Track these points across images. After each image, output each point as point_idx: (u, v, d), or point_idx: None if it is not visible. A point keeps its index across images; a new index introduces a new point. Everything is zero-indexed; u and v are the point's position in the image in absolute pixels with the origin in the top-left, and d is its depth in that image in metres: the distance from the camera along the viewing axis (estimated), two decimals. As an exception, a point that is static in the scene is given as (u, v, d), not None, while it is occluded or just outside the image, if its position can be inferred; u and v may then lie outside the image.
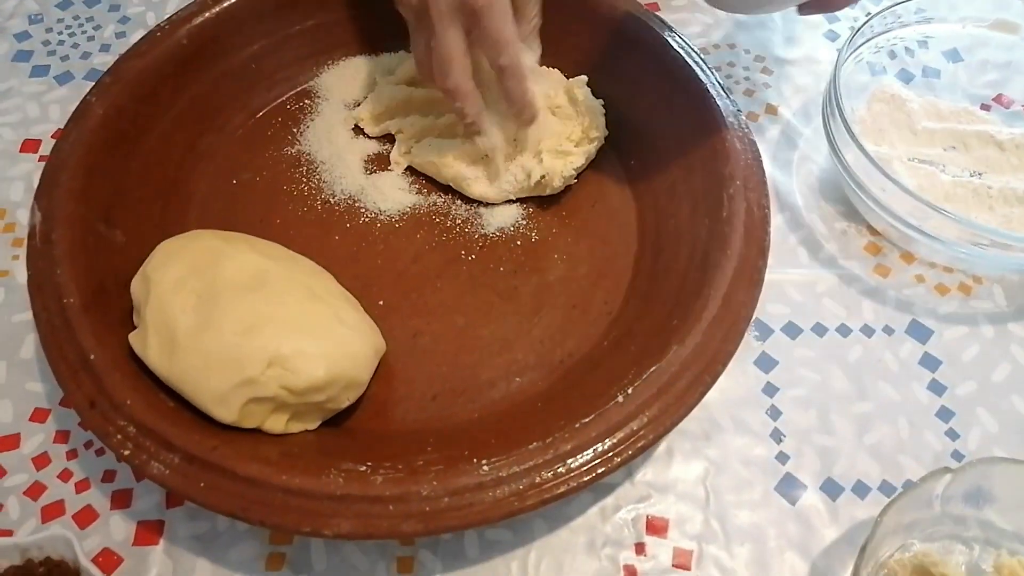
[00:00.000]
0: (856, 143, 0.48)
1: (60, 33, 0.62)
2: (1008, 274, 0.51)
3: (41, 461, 0.44)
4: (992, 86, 0.58)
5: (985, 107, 0.58)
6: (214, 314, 0.40)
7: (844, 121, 0.48)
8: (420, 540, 0.42)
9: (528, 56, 0.48)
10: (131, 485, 0.44)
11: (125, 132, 0.49)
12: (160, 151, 0.51)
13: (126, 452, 0.38)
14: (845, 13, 0.64)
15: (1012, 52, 0.57)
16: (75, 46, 0.61)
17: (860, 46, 0.55)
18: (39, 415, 0.46)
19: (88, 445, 0.45)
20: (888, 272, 0.52)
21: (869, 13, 0.54)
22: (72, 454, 0.45)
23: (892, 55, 0.59)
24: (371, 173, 0.54)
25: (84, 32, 0.62)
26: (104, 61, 0.60)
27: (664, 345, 0.41)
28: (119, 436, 0.38)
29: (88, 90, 0.49)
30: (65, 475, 0.44)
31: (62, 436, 0.45)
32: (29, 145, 0.57)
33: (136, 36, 0.52)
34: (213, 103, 0.54)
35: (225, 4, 0.53)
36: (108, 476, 0.44)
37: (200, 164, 0.53)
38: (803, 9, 0.42)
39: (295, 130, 0.56)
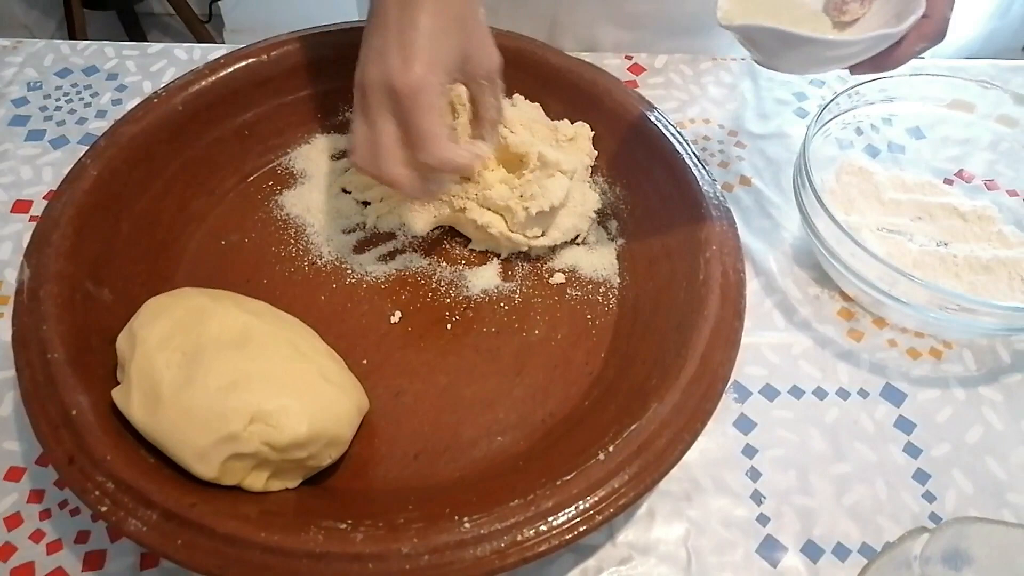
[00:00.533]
0: (826, 212, 0.50)
1: (58, 100, 0.64)
2: (976, 339, 0.53)
3: (13, 521, 0.44)
4: (953, 161, 0.61)
5: (948, 181, 0.61)
6: (198, 371, 0.40)
7: (814, 191, 0.51)
8: (399, 603, 0.42)
9: (481, 146, 0.48)
10: (105, 546, 0.43)
11: (118, 194, 0.50)
12: (151, 213, 0.52)
13: (103, 508, 0.37)
14: (813, 92, 0.68)
15: (969, 129, 0.60)
16: (71, 112, 0.63)
17: (828, 122, 0.58)
18: (14, 474, 0.45)
19: (63, 505, 0.44)
20: (861, 336, 0.53)
21: (835, 92, 0.58)
22: (45, 514, 0.44)
23: (859, 131, 0.62)
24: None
25: (81, 99, 0.64)
26: (99, 127, 0.62)
27: (644, 404, 0.42)
28: (97, 492, 0.38)
29: (83, 152, 0.50)
30: (37, 536, 0.43)
31: (36, 496, 0.44)
32: (20, 206, 0.57)
33: (132, 104, 0.53)
34: (206, 167, 0.55)
35: (221, 74, 0.55)
36: (81, 537, 0.43)
37: (190, 225, 0.54)
38: (855, 69, 0.44)
39: (285, 194, 0.57)
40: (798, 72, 0.51)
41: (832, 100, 0.57)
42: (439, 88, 0.43)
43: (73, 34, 1.62)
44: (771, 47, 0.43)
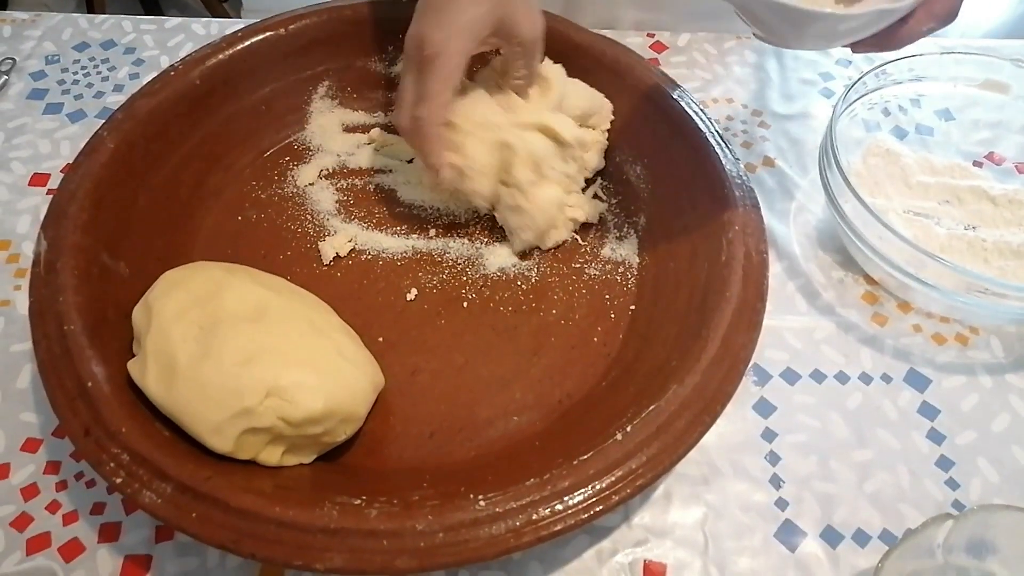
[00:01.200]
0: (854, 193, 0.48)
1: (75, 73, 0.64)
2: (1005, 325, 0.52)
3: (30, 492, 0.44)
4: (984, 144, 0.60)
5: (977, 164, 0.59)
6: (215, 344, 0.40)
7: (841, 172, 0.49)
8: (413, 580, 0.41)
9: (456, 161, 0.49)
10: (120, 518, 0.43)
11: (134, 167, 0.50)
12: (168, 187, 0.52)
13: (118, 480, 0.37)
14: (840, 72, 0.66)
15: (1002, 111, 0.59)
16: (89, 86, 0.63)
17: (854, 102, 0.57)
18: (31, 445, 0.45)
19: (79, 476, 0.44)
20: (885, 321, 0.52)
21: (862, 71, 0.56)
22: (62, 485, 0.44)
23: (886, 112, 0.60)
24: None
25: (99, 73, 0.64)
26: (116, 100, 0.62)
27: (663, 385, 0.41)
28: (112, 464, 0.38)
29: (100, 125, 0.50)
30: (53, 506, 0.43)
31: (53, 467, 0.45)
32: (38, 179, 0.57)
33: (149, 78, 0.53)
34: (222, 142, 0.55)
35: (238, 47, 0.54)
36: (97, 508, 0.43)
37: (207, 201, 0.54)
38: (858, 47, 0.43)
39: (301, 169, 0.56)
40: (798, 47, 0.50)
41: (859, 80, 0.55)
42: (460, 55, 0.45)
43: (92, 10, 1.62)
44: (770, 21, 0.42)
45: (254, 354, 0.40)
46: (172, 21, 0.68)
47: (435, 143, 0.48)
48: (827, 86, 0.65)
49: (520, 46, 0.48)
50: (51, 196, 0.48)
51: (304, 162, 0.57)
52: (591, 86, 0.54)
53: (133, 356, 0.42)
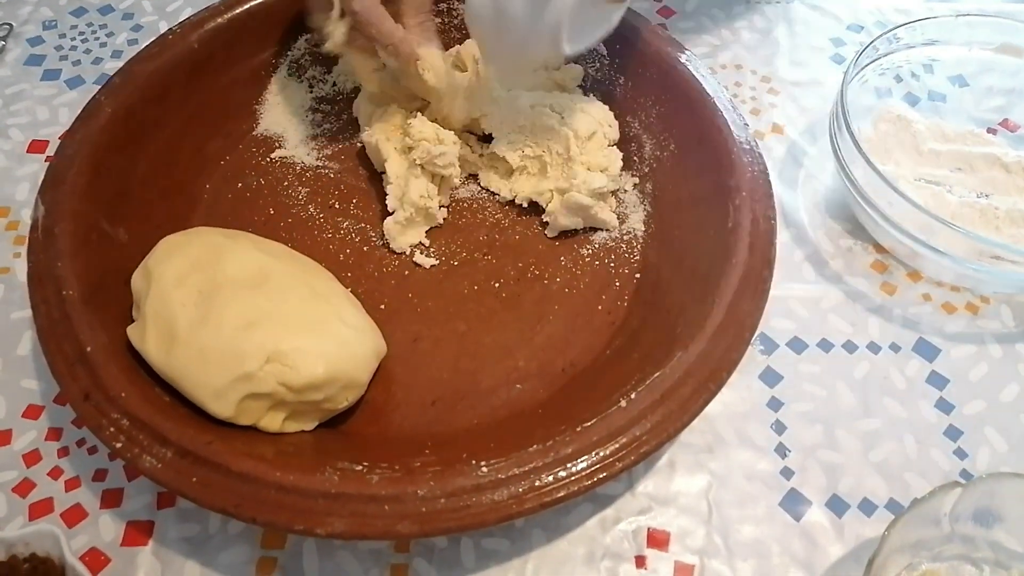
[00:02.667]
0: (865, 158, 0.47)
1: (73, 39, 0.63)
2: (1016, 294, 0.51)
3: (32, 458, 0.44)
4: (998, 111, 0.58)
5: (991, 131, 0.58)
6: (214, 309, 0.40)
7: (852, 137, 0.48)
8: (415, 547, 0.41)
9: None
10: (122, 484, 0.43)
11: (133, 133, 0.49)
12: (167, 153, 0.51)
13: (118, 445, 0.37)
14: (851, 37, 0.65)
15: (1017, 77, 0.58)
16: (87, 51, 0.62)
17: (865, 67, 0.55)
18: (32, 412, 0.45)
19: (80, 443, 0.44)
20: (894, 290, 0.51)
21: (873, 35, 0.55)
22: (63, 451, 0.44)
23: (898, 78, 0.59)
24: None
25: (97, 38, 0.63)
26: (115, 67, 0.60)
27: (668, 352, 0.41)
28: (112, 429, 0.37)
29: (97, 90, 0.49)
30: (55, 472, 0.43)
31: (54, 433, 0.44)
32: (36, 146, 0.57)
33: (150, 41, 0.52)
34: (222, 108, 0.54)
35: (237, 11, 0.53)
36: (99, 475, 0.43)
37: (207, 167, 0.53)
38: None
39: (301, 135, 0.56)
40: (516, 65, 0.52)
41: (870, 44, 0.54)
42: None
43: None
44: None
45: (255, 319, 0.39)
46: (171, -14, 0.67)
47: (386, 31, 0.46)
48: (838, 52, 0.64)
49: None
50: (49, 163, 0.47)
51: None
52: (597, 51, 0.53)
53: (133, 322, 0.42)
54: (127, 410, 0.38)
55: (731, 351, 0.41)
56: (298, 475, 0.36)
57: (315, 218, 0.52)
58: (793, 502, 0.43)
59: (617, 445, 0.37)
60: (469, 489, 0.36)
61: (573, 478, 0.37)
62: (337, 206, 0.52)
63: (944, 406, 0.47)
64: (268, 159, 0.54)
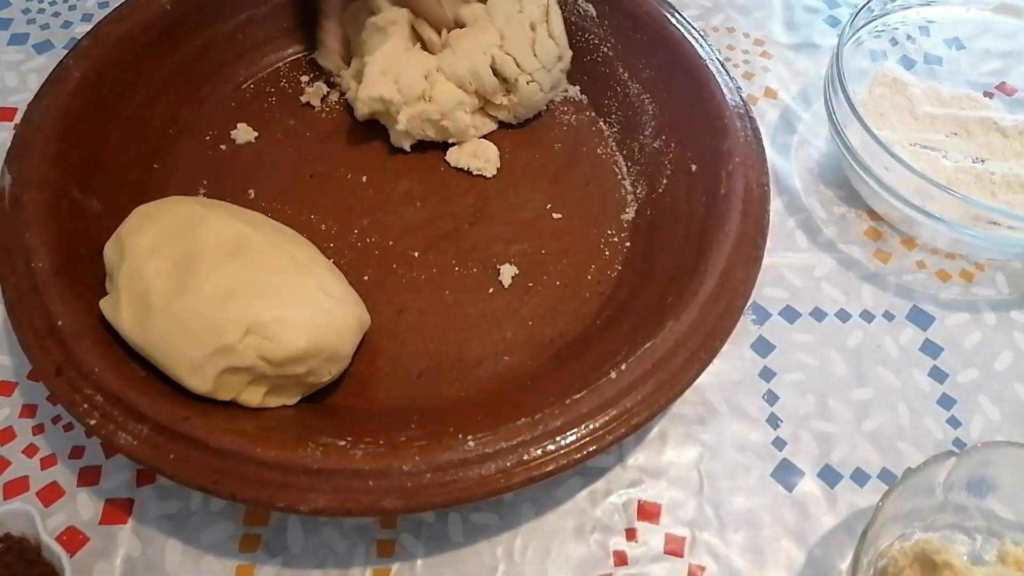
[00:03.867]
0: (860, 122, 0.46)
1: (41, 2, 0.60)
2: (1011, 260, 0.50)
3: (5, 436, 0.42)
4: (995, 74, 0.57)
5: (988, 95, 0.57)
6: (191, 280, 0.38)
7: (848, 100, 0.47)
8: (402, 522, 0.40)
9: None
10: (99, 462, 0.42)
11: (104, 98, 0.47)
12: (141, 119, 0.49)
13: (92, 422, 0.36)
14: (846, -1, 0.63)
15: (1015, 40, 0.56)
16: (56, 15, 0.60)
17: (861, 28, 0.54)
18: (5, 388, 0.44)
19: (56, 420, 0.43)
20: (888, 258, 0.50)
21: (870, -4, 0.53)
22: (38, 429, 0.43)
23: (893, 41, 0.58)
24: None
25: (66, 1, 0.60)
26: (85, 31, 0.57)
27: (659, 322, 0.40)
28: (85, 405, 0.36)
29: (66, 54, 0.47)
30: (30, 450, 0.42)
31: (28, 410, 0.43)
32: (5, 114, 0.55)
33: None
34: (197, 72, 0.52)
35: (211, -30, 0.51)
36: (76, 452, 0.42)
37: (182, 134, 0.51)
38: None
39: (283, 101, 0.54)
40: None
41: (864, 5, 0.53)
42: None
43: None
44: None
45: (233, 289, 0.38)
46: (143, -54, 0.64)
47: None
48: (832, 14, 0.63)
49: None
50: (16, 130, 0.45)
51: (285, 94, 0.54)
52: (585, 13, 0.52)
53: (107, 294, 0.41)
54: (101, 385, 0.36)
55: (724, 320, 0.40)
56: (279, 450, 0.35)
57: (296, 187, 0.50)
58: (785, 473, 0.43)
59: (607, 417, 0.37)
60: (456, 464, 0.35)
61: (562, 451, 0.36)
62: (319, 174, 0.51)
63: (938, 375, 0.46)
64: (247, 126, 0.52)
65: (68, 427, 0.43)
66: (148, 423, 0.36)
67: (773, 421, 0.44)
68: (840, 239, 0.51)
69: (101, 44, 0.48)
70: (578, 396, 0.37)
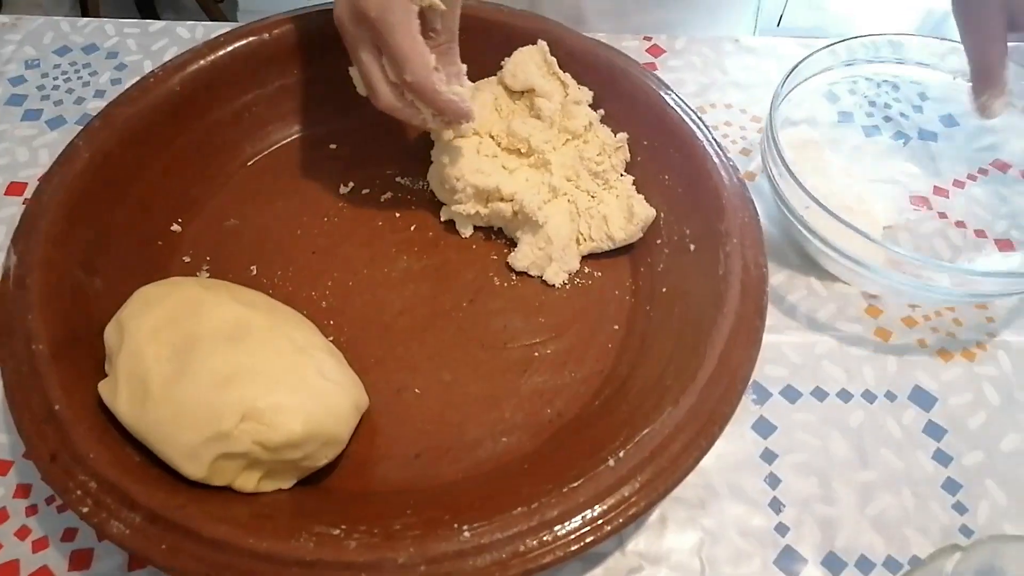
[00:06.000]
0: (793, 178, 0.48)
1: (56, 78, 0.62)
2: (1009, 337, 0.50)
3: (-2, 517, 0.42)
4: (990, 150, 0.58)
5: (983, 171, 0.57)
6: (190, 365, 0.38)
7: (781, 158, 0.48)
8: (396, 611, 0.40)
9: (460, 90, 0.47)
10: (92, 545, 0.41)
11: (111, 178, 0.48)
12: (147, 198, 0.50)
13: (85, 510, 0.35)
14: (844, 73, 0.64)
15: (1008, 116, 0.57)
16: (70, 91, 0.61)
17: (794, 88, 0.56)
18: (1, 467, 0.44)
19: (50, 500, 0.43)
20: (889, 336, 0.50)
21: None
22: (32, 510, 0.42)
23: (887, 118, 0.59)
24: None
25: (80, 78, 0.62)
26: (98, 106, 0.59)
27: (657, 405, 0.40)
28: (79, 492, 0.36)
29: (76, 134, 0.48)
30: (22, 532, 0.41)
31: (23, 490, 0.43)
32: (15, 188, 0.56)
33: (132, 83, 0.51)
34: (204, 151, 0.53)
35: (220, 53, 0.53)
36: (68, 535, 0.41)
37: (187, 211, 0.52)
38: None
39: (285, 178, 0.55)
40: None
41: (793, 69, 0.54)
42: (405, 8, 0.42)
43: (85, 10, 1.60)
44: None
45: (230, 375, 0.38)
46: (156, 24, 0.66)
47: (446, 95, 0.45)
48: (831, 90, 0.63)
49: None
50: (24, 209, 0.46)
51: (289, 172, 0.55)
52: (584, 95, 0.53)
53: (106, 376, 0.41)
54: (95, 471, 0.36)
55: (723, 405, 0.40)
56: (272, 541, 0.35)
57: (297, 263, 0.51)
58: (788, 560, 0.42)
59: (605, 507, 0.36)
60: (451, 555, 0.35)
61: (559, 542, 0.35)
62: (320, 250, 0.51)
63: (942, 457, 0.45)
64: (252, 204, 0.53)
65: (62, 508, 0.42)
66: (141, 511, 0.35)
67: (775, 505, 0.44)
68: (840, 316, 0.51)
69: (111, 125, 0.49)
70: (576, 484, 0.37)
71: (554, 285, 0.50)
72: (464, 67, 0.48)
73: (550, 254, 0.50)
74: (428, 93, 0.44)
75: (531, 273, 0.50)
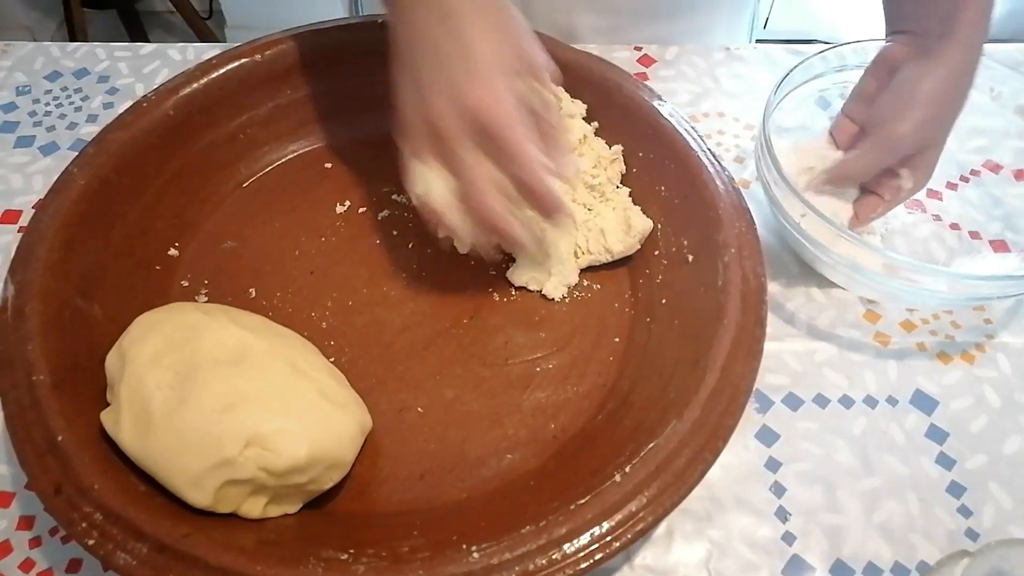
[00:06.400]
0: (789, 187, 0.48)
1: (47, 104, 0.62)
2: (1008, 338, 0.50)
3: (2, 550, 0.42)
4: (979, 152, 0.58)
5: (975, 173, 0.58)
6: (192, 391, 0.38)
7: (777, 169, 0.48)
8: (406, 633, 0.39)
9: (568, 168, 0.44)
10: (97, 575, 0.41)
11: (108, 203, 0.48)
12: (144, 222, 0.50)
13: (91, 542, 0.35)
14: (836, 78, 0.65)
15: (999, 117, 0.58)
16: (62, 116, 0.61)
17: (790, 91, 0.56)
18: (3, 499, 0.43)
19: (53, 531, 0.42)
20: (888, 341, 0.50)
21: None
22: (36, 542, 0.42)
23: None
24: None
25: (71, 103, 0.62)
26: (91, 131, 0.60)
27: (662, 419, 0.39)
28: (84, 524, 0.35)
29: (71, 160, 0.48)
30: (27, 565, 0.41)
31: (26, 522, 0.43)
32: (9, 216, 0.55)
33: (124, 107, 0.51)
34: (200, 174, 0.53)
35: (213, 75, 0.53)
36: (73, 566, 0.41)
37: (185, 234, 0.52)
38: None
39: (281, 199, 0.55)
40: None
41: (790, 72, 0.54)
42: (515, 99, 0.40)
43: (73, 35, 1.59)
44: None
45: (233, 401, 0.38)
46: (147, 47, 0.66)
47: (564, 205, 0.42)
48: (822, 95, 0.64)
49: (538, 80, 0.42)
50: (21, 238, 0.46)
51: (286, 192, 0.55)
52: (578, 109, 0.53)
53: (108, 404, 0.41)
54: (100, 503, 0.36)
55: (726, 417, 0.40)
56: (280, 568, 0.34)
57: (296, 284, 0.50)
58: (796, 569, 0.42)
59: (613, 523, 0.36)
60: (460, 577, 0.34)
61: (568, 560, 0.35)
62: (319, 270, 0.51)
63: (945, 461, 0.46)
64: (251, 224, 0.53)
65: (66, 539, 0.42)
66: (148, 541, 0.35)
67: (782, 514, 0.44)
68: (840, 323, 0.51)
69: (105, 151, 0.49)
70: (582, 501, 0.37)
71: (553, 299, 0.50)
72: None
73: (548, 268, 0.50)
74: (541, 193, 0.41)
75: (530, 288, 0.50)
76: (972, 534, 0.43)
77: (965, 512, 0.44)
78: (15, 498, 0.43)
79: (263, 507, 0.39)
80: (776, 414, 0.47)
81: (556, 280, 0.50)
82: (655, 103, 0.52)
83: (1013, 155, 0.58)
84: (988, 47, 0.49)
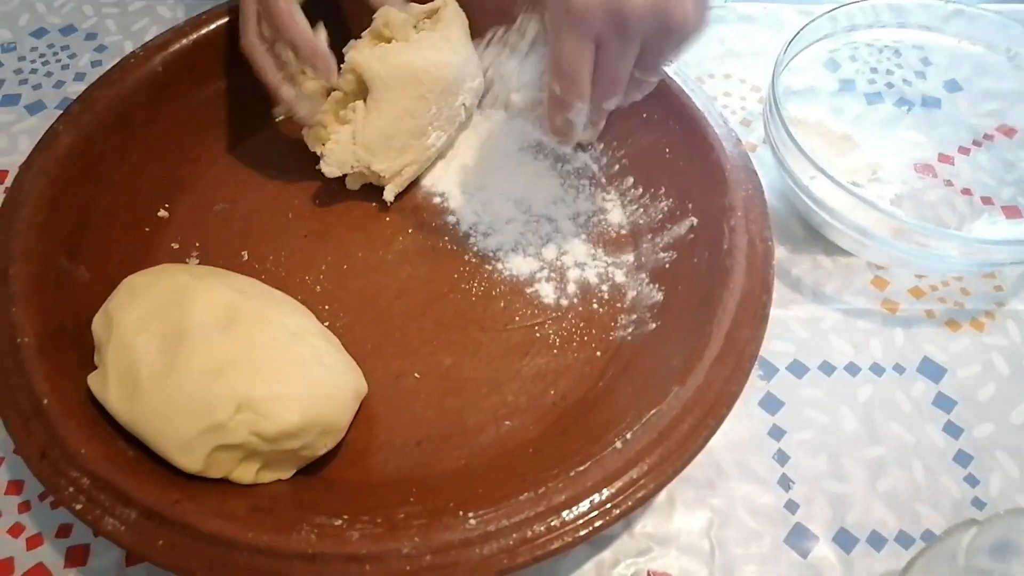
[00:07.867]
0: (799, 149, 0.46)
1: (33, 62, 0.60)
2: (1019, 306, 0.49)
3: (-10, 515, 0.41)
4: (993, 115, 0.57)
5: (988, 137, 0.56)
6: (181, 355, 0.37)
7: (784, 124, 0.47)
8: (402, 600, 0.39)
9: None
10: (88, 540, 0.40)
11: (93, 163, 0.47)
12: (131, 182, 0.49)
13: (78, 507, 0.34)
14: (844, 39, 0.63)
15: (1016, 79, 0.56)
16: (48, 75, 0.59)
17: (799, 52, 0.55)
18: (-9, 464, 0.43)
19: (43, 496, 0.42)
20: (896, 307, 0.49)
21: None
22: (25, 506, 0.41)
23: (889, 84, 0.58)
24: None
25: (59, 61, 0.60)
26: (78, 90, 0.57)
27: (663, 386, 0.38)
28: (71, 489, 0.35)
29: (56, 118, 0.47)
30: (16, 530, 0.40)
31: (15, 487, 0.42)
32: (-5, 176, 0.54)
33: (112, 65, 0.49)
34: (188, 133, 0.52)
35: (202, 31, 0.51)
36: (63, 531, 0.40)
37: (175, 195, 0.51)
38: None
39: (274, 159, 0.53)
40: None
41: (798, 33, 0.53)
42: None
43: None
44: None
45: (224, 364, 0.37)
46: (136, 4, 0.64)
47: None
48: (832, 57, 0.62)
49: None
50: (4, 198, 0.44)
51: (280, 151, 0.53)
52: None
53: (95, 368, 0.40)
54: (87, 468, 0.35)
55: (730, 383, 0.39)
56: (272, 535, 0.34)
57: (290, 247, 0.49)
58: (799, 537, 0.41)
59: (613, 490, 0.35)
60: (457, 544, 0.34)
61: (567, 528, 0.34)
62: (313, 233, 0.50)
63: (952, 430, 0.45)
64: (243, 185, 0.52)
65: (55, 504, 0.41)
66: (136, 507, 0.34)
67: (785, 483, 0.43)
68: (847, 289, 0.50)
69: (91, 108, 0.47)
70: (582, 468, 0.36)
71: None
72: None
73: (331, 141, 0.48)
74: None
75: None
76: (979, 503, 0.42)
77: (972, 481, 0.43)
78: (3, 462, 0.43)
79: (255, 473, 0.38)
80: (781, 381, 0.46)
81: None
82: (660, 62, 0.50)
83: (1028, 119, 0.57)
84: (1005, 7, 0.48)
